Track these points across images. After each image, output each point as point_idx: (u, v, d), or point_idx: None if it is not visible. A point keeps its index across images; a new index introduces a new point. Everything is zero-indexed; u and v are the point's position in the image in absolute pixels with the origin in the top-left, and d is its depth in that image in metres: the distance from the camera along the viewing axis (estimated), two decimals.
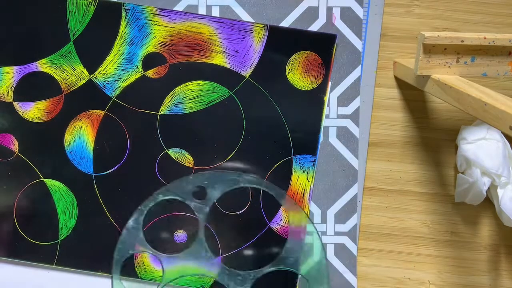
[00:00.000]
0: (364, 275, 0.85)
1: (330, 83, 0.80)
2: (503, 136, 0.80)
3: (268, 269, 0.79)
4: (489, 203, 0.83)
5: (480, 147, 0.79)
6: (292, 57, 0.79)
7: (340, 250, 0.83)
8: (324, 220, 0.82)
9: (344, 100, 0.81)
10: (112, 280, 0.79)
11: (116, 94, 0.79)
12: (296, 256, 0.78)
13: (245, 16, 0.79)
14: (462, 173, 0.82)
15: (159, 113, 0.79)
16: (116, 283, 0.78)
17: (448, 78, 0.68)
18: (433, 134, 0.83)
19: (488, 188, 0.80)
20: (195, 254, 0.78)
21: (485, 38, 0.67)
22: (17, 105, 0.79)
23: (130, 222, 0.77)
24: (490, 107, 0.58)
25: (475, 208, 0.84)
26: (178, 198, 0.78)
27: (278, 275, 0.81)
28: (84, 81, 0.79)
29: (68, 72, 0.79)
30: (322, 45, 0.79)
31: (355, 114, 0.81)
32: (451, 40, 0.67)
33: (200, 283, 0.82)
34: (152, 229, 0.80)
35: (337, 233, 0.83)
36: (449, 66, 0.69)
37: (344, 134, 0.81)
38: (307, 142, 0.80)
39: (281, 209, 0.81)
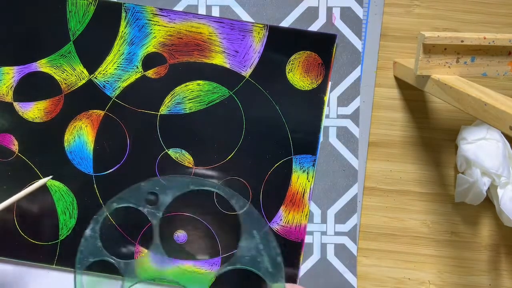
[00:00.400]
0: (364, 275, 0.85)
1: (330, 83, 0.80)
2: (503, 136, 0.80)
3: (224, 268, 0.79)
4: (489, 203, 0.83)
5: (480, 147, 0.79)
6: (292, 57, 0.79)
7: (340, 250, 0.83)
8: (324, 220, 0.82)
9: (344, 100, 0.81)
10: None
11: (116, 94, 0.79)
12: (251, 254, 0.78)
13: (245, 16, 0.79)
14: (462, 173, 0.82)
15: (159, 113, 0.79)
16: None
17: (448, 78, 0.68)
18: (433, 134, 0.83)
19: (488, 188, 0.80)
20: (153, 258, 0.78)
21: (485, 38, 0.67)
22: (17, 105, 0.79)
23: (88, 231, 0.77)
24: (490, 107, 0.58)
25: (475, 208, 0.84)
26: (131, 205, 0.78)
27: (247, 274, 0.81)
28: (84, 81, 0.79)
29: (68, 72, 0.79)
30: (322, 45, 0.79)
31: (355, 114, 0.81)
32: (451, 40, 0.67)
33: (200, 283, 0.82)
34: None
35: (337, 233, 0.83)
36: (449, 66, 0.69)
37: (344, 134, 0.81)
38: (307, 142, 0.80)
39: (281, 209, 0.81)
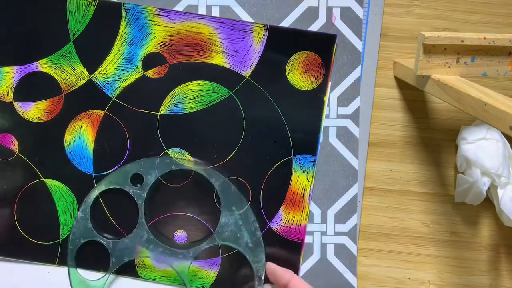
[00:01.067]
0: (364, 275, 0.85)
1: (330, 83, 0.80)
2: (503, 136, 0.80)
3: (206, 245, 0.79)
4: (489, 203, 0.83)
5: (480, 147, 0.79)
6: (292, 57, 0.79)
7: (340, 250, 0.83)
8: (324, 220, 0.82)
9: (344, 100, 0.81)
10: (68, 268, 0.80)
11: (116, 94, 0.79)
12: (230, 229, 0.79)
13: (245, 16, 0.79)
14: (462, 173, 0.82)
15: (159, 113, 0.79)
16: (72, 271, 0.80)
17: (448, 78, 0.68)
18: (433, 134, 0.83)
19: (488, 188, 0.80)
20: (139, 237, 0.80)
21: (485, 38, 0.67)
22: (17, 105, 0.79)
23: (79, 214, 0.80)
24: (490, 107, 0.58)
25: (475, 208, 0.84)
26: (118, 187, 0.79)
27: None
28: (84, 81, 0.79)
29: (68, 72, 0.79)
30: (322, 45, 0.79)
31: (355, 114, 0.81)
32: (451, 40, 0.67)
33: (200, 283, 0.82)
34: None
35: (337, 233, 0.83)
36: (449, 66, 0.69)
37: (344, 134, 0.81)
38: (307, 142, 0.80)
39: (281, 209, 0.81)
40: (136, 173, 0.79)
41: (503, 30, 0.81)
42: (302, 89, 0.79)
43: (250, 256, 0.79)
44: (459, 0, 0.80)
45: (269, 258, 0.81)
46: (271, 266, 0.79)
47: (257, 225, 0.79)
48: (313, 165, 0.81)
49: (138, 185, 0.79)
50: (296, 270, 0.82)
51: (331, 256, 0.83)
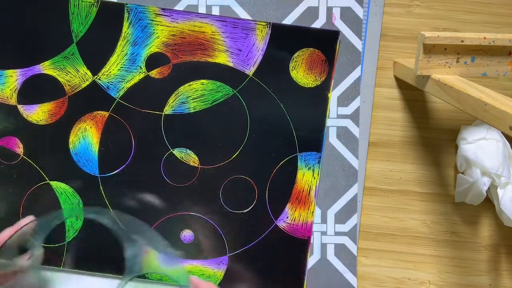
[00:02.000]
0: (364, 275, 0.85)
1: (333, 79, 0.80)
2: (503, 136, 0.80)
3: (125, 284, 0.71)
4: (489, 203, 0.84)
5: (480, 147, 0.79)
6: (295, 55, 0.79)
7: (340, 250, 0.83)
8: (324, 220, 0.83)
9: (344, 100, 0.81)
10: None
11: (120, 95, 0.79)
12: (139, 260, 0.72)
13: (244, 16, 0.79)
14: (462, 173, 0.82)
15: (163, 113, 0.80)
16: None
17: (448, 78, 0.68)
18: (433, 134, 0.83)
19: (488, 188, 0.81)
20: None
21: (485, 38, 0.68)
22: (21, 108, 0.79)
23: None
24: (490, 107, 0.59)
25: (475, 208, 0.85)
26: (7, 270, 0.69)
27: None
28: (87, 83, 0.79)
29: (72, 74, 0.79)
30: (325, 42, 0.79)
31: (355, 114, 0.81)
32: (451, 40, 0.67)
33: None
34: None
35: (337, 233, 0.83)
36: (449, 66, 0.70)
37: (344, 134, 0.82)
38: (312, 139, 0.81)
39: (287, 207, 0.82)
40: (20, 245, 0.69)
41: (503, 30, 0.81)
42: (306, 86, 0.80)
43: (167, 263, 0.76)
44: (459, 0, 0.81)
45: (276, 256, 0.81)
46: (195, 280, 0.76)
47: (165, 242, 0.75)
48: (318, 162, 0.81)
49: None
50: (303, 267, 0.82)
51: (331, 256, 0.83)
